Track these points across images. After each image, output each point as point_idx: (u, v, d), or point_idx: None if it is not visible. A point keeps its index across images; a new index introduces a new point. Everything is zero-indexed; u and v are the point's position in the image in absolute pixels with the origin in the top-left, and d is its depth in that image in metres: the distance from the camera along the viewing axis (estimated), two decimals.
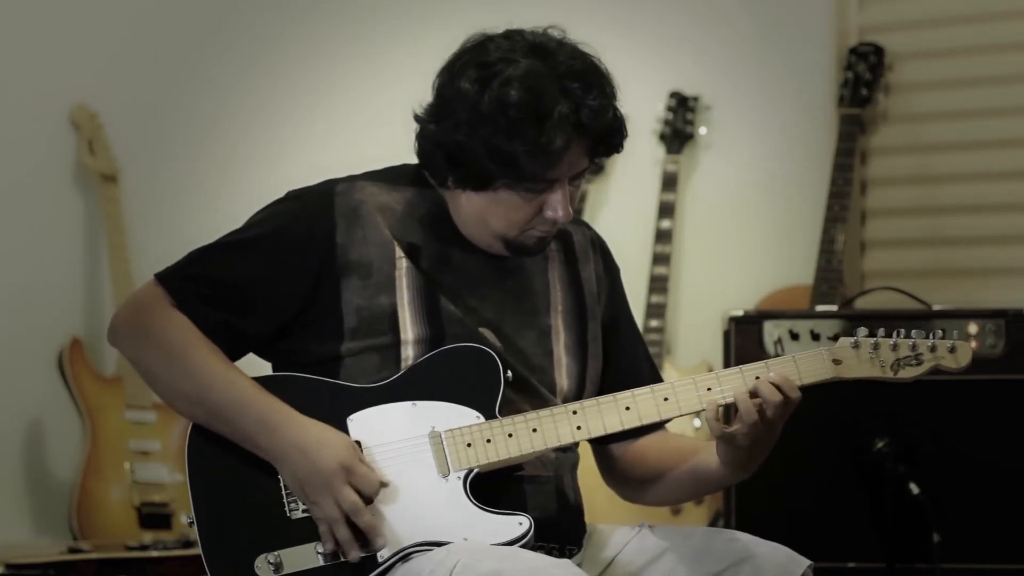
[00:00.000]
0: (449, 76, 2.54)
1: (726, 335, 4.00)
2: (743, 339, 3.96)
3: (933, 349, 2.54)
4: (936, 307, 4.02)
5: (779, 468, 3.92)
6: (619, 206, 5.28)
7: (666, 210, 5.10)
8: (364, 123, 5.33)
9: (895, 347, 2.54)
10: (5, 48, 4.87)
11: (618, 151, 2.58)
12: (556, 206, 2.53)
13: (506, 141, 2.48)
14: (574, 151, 2.51)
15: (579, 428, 2.52)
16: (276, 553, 2.46)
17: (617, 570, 2.60)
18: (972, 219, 4.90)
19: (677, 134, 5.18)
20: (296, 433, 2.47)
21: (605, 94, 2.52)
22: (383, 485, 2.47)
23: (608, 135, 2.54)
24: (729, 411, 2.55)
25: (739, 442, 2.51)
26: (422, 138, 2.57)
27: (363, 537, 2.45)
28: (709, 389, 2.52)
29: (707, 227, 5.22)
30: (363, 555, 2.45)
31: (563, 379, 2.64)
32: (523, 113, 2.47)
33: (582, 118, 2.49)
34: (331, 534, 2.45)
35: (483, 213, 2.57)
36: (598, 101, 2.50)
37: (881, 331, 2.54)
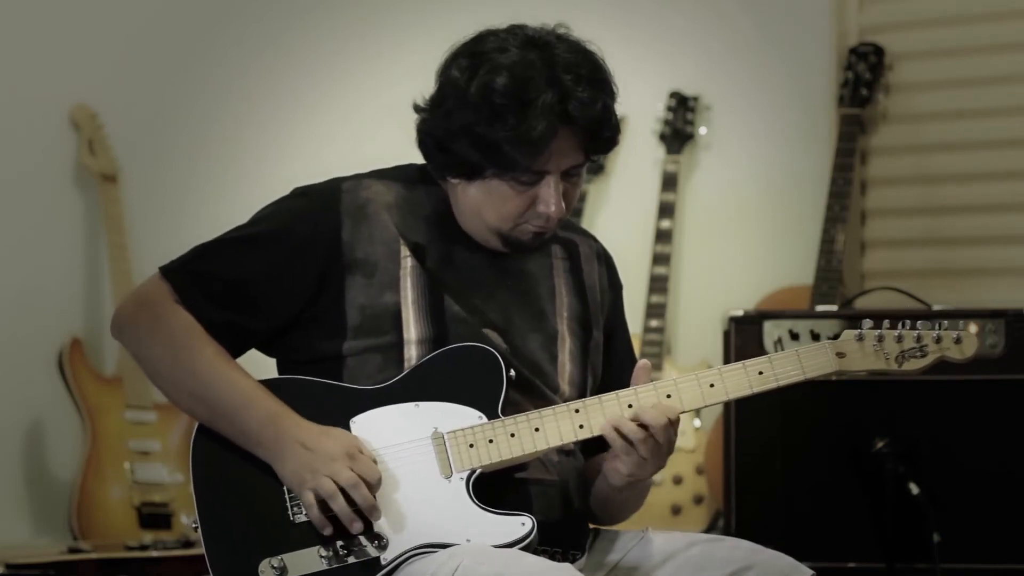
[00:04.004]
0: (445, 66, 2.55)
1: (726, 335, 4.00)
2: (743, 339, 3.96)
3: (938, 340, 2.50)
4: (936, 307, 4.02)
5: (779, 468, 3.97)
6: (619, 206, 5.28)
7: (666, 210, 5.10)
8: (364, 123, 5.33)
9: (899, 339, 2.50)
10: (5, 48, 4.87)
11: (610, 148, 2.56)
12: (548, 200, 2.51)
13: (488, 128, 2.47)
14: (562, 143, 2.49)
15: (581, 427, 2.50)
16: (280, 557, 2.46)
17: (619, 575, 2.59)
18: (972, 219, 4.90)
19: (677, 134, 5.18)
20: (300, 431, 2.47)
21: (597, 88, 2.50)
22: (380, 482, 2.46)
23: (597, 128, 2.51)
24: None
25: (629, 471, 2.50)
26: (418, 128, 2.58)
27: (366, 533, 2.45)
28: (712, 385, 2.51)
29: (707, 227, 5.21)
30: (364, 530, 2.44)
31: (566, 385, 2.62)
32: (506, 99, 2.46)
33: (569, 109, 2.47)
34: (325, 520, 2.43)
35: (477, 205, 2.56)
36: (588, 93, 2.48)
37: (886, 323, 2.52)
